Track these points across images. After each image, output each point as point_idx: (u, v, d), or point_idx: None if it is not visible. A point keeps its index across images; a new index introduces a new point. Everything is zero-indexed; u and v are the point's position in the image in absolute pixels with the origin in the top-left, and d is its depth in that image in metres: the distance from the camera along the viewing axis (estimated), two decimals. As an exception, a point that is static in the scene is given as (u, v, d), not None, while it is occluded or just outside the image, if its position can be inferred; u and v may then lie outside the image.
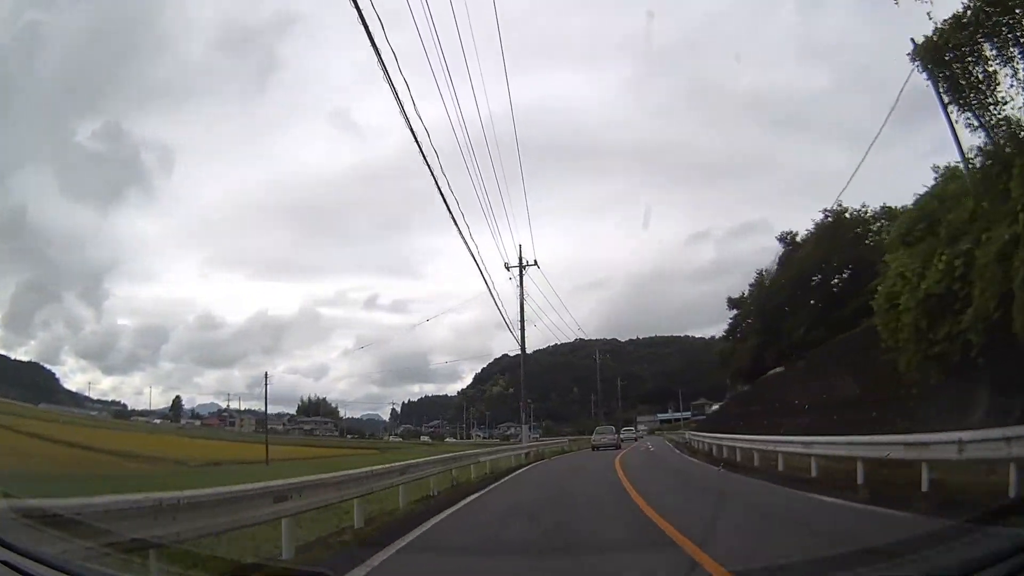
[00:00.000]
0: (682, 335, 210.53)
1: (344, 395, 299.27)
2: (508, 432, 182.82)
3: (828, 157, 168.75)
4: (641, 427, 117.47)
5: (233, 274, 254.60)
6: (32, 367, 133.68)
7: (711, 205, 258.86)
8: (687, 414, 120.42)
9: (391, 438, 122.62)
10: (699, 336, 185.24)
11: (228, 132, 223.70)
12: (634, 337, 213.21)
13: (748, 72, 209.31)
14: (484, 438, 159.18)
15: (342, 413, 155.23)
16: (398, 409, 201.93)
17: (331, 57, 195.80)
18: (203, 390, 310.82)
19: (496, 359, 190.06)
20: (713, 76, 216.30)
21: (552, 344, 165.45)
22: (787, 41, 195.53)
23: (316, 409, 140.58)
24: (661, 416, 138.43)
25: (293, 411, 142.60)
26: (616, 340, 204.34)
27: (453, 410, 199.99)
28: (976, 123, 14.79)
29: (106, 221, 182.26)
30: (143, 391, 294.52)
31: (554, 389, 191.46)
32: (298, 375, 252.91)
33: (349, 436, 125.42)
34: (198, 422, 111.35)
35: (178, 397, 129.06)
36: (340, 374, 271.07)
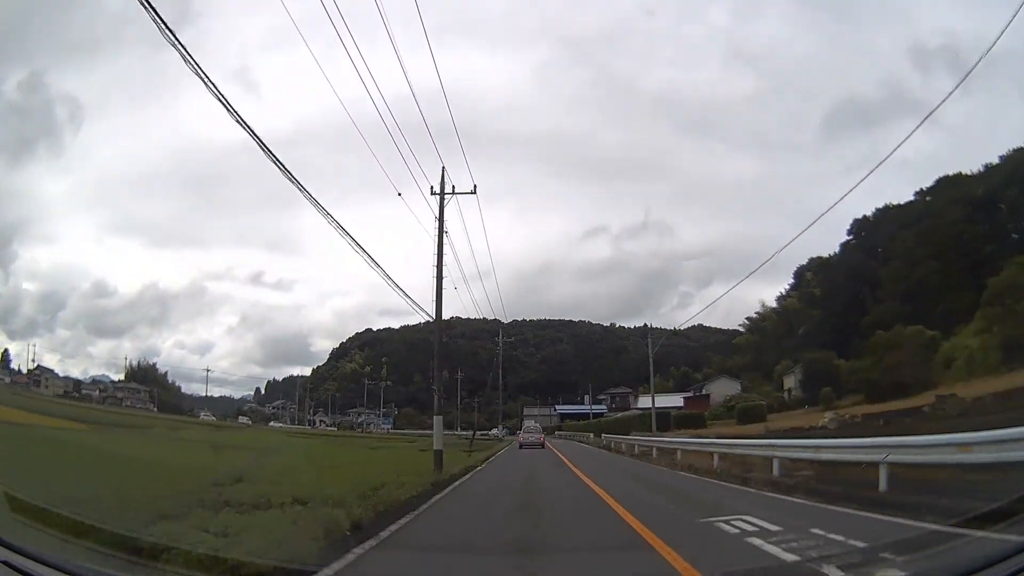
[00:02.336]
0: (577, 320, 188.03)
1: (227, 372, 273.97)
2: (360, 419, 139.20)
3: (734, 166, 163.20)
4: (530, 422, 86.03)
5: (129, 241, 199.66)
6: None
7: (608, 201, 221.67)
8: (600, 407, 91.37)
9: (204, 416, 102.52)
10: (597, 323, 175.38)
11: (135, 88, 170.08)
12: (519, 319, 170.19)
13: (663, 71, 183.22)
14: (327, 425, 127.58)
15: (225, 391, 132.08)
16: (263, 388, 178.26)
17: (241, 12, 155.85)
18: (95, 360, 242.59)
19: (357, 333, 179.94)
20: (627, 72, 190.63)
21: (424, 321, 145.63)
22: (710, 44, 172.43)
23: (144, 376, 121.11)
24: (564, 408, 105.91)
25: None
26: (497, 321, 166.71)
27: (302, 390, 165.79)
28: None
29: (17, 177, 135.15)
30: (42, 357, 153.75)
31: (421, 370, 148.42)
32: (185, 350, 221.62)
33: (154, 409, 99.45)
34: (8, 379, 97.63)
35: (5, 351, 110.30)
36: (224, 351, 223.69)
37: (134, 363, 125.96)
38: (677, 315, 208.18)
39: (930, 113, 19.83)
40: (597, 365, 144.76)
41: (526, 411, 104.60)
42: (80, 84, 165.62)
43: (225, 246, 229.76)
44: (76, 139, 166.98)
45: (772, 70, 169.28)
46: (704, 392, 63.92)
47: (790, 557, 6.37)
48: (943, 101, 17.54)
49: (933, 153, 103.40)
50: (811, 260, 77.31)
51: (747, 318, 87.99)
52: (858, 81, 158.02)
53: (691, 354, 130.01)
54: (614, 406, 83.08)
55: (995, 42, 12.39)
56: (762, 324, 77.08)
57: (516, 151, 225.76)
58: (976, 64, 13.77)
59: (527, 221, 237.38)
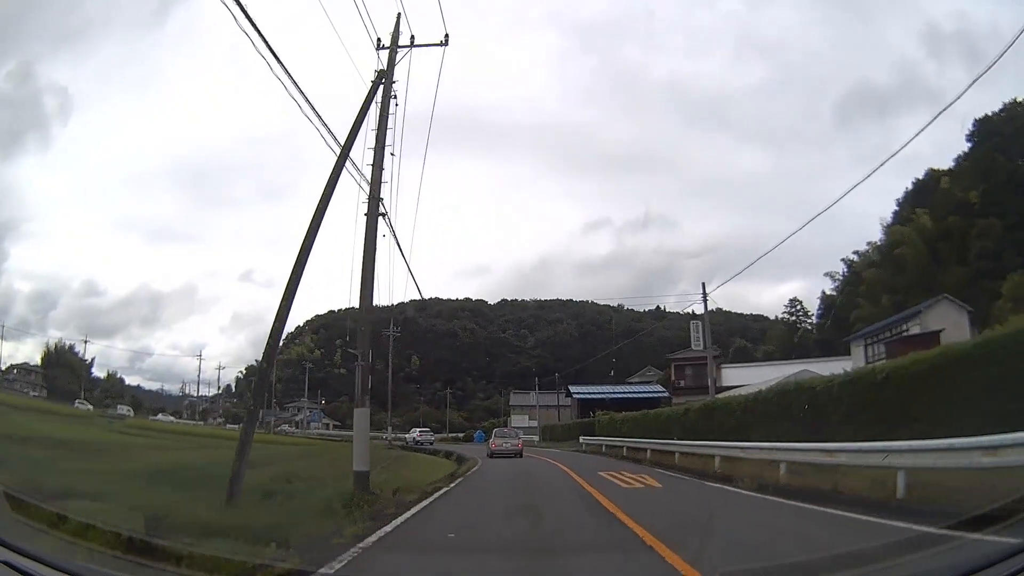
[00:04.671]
0: (579, 300, 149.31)
1: (224, 373, 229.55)
2: (299, 416, 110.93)
3: (741, 159, 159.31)
4: (520, 422, 64.72)
5: (120, 239, 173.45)
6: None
7: (611, 195, 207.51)
8: (657, 389, 55.80)
9: (79, 404, 79.07)
10: (604, 303, 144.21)
11: (124, 76, 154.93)
12: (507, 298, 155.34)
13: (671, 61, 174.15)
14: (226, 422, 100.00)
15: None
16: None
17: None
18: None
19: (319, 314, 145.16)
20: (633, 61, 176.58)
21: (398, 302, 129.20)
22: (721, 33, 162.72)
23: (59, 361, 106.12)
24: (587, 392, 61.24)
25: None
26: (483, 302, 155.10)
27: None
28: None
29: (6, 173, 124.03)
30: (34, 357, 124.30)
31: (384, 356, 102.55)
32: (178, 351, 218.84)
33: (42, 394, 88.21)
34: None
35: None
36: (217, 351, 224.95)
37: (51, 345, 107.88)
38: (679, 305, 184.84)
39: (945, 108, 18.88)
40: (608, 348, 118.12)
41: (515, 399, 72.39)
42: (69, 74, 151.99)
43: (213, 243, 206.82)
44: (64, 132, 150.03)
45: (780, 59, 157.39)
46: (919, 331, 33.45)
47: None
48: (959, 97, 18.73)
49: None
50: (930, 171, 59.65)
51: (845, 260, 63.83)
52: (869, 70, 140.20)
53: (714, 339, 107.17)
54: (682, 384, 50.10)
55: (1016, 37, 11.73)
56: (895, 254, 50.31)
57: (519, 141, 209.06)
58: (997, 59, 12.83)
59: (527, 212, 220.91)
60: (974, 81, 13.63)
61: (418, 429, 57.26)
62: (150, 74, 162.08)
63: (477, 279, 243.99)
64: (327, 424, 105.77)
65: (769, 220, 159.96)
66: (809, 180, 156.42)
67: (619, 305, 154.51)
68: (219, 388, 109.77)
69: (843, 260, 64.16)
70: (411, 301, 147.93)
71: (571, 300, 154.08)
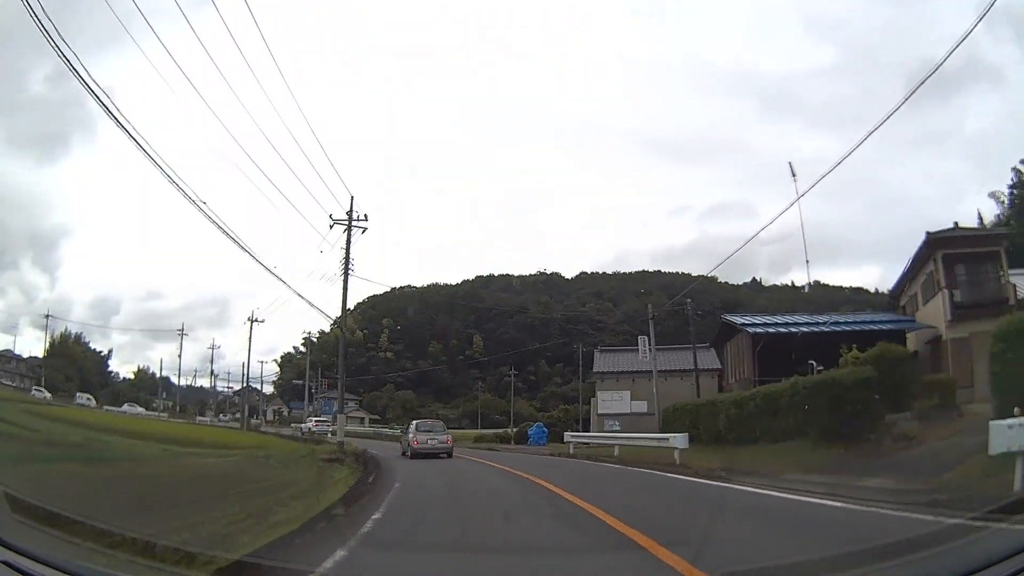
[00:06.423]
0: (666, 271, 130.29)
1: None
2: (323, 414, 73.45)
3: (813, 143, 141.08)
4: (612, 404, 43.50)
5: (176, 239, 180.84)
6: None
7: (685, 182, 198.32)
8: (887, 316, 32.78)
9: (36, 391, 74.11)
10: (698, 274, 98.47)
11: (167, 71, 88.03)
12: (586, 271, 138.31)
13: (736, 45, 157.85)
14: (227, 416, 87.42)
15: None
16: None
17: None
18: (152, 364, 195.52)
19: (373, 295, 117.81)
20: (698, 47, 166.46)
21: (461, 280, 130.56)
22: (784, 14, 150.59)
23: (62, 351, 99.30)
24: (763, 322, 34.45)
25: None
26: (558, 275, 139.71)
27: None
28: None
29: (56, 179, 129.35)
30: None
31: (441, 338, 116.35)
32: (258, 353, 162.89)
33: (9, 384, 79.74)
34: None
35: None
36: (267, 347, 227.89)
37: (56, 335, 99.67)
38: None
39: (949, 53, 13.53)
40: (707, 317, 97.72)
41: (601, 363, 46.47)
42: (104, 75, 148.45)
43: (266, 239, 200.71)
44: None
45: (848, 40, 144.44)
46: None
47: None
48: (965, 36, 12.75)
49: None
50: None
51: (1015, 169, 49.25)
52: (937, 48, 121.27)
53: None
54: (955, 298, 24.43)
55: (989, 7, 11.83)
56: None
57: (594, 126, 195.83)
58: (980, 19, 12.21)
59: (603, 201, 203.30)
60: (979, 20, 12.65)
61: (314, 419, 58.55)
62: (192, 68, 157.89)
63: (552, 254, 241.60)
64: (362, 419, 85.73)
65: (843, 207, 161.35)
66: (874, 163, 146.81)
67: (713, 276, 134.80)
68: (212, 376, 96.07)
69: (1013, 169, 50.01)
70: (476, 278, 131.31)
71: (659, 271, 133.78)
